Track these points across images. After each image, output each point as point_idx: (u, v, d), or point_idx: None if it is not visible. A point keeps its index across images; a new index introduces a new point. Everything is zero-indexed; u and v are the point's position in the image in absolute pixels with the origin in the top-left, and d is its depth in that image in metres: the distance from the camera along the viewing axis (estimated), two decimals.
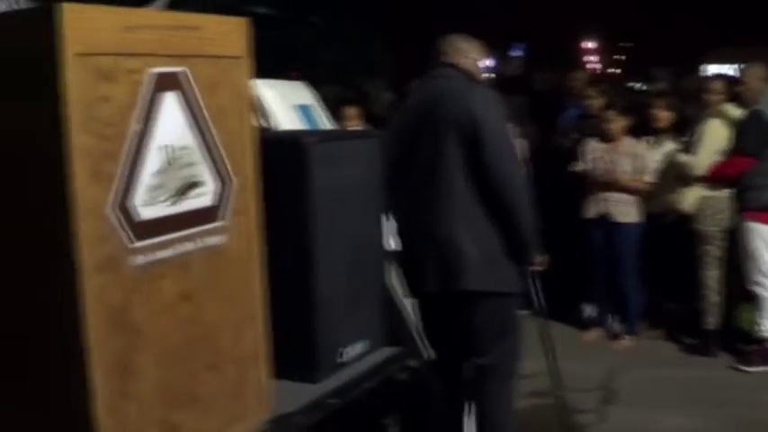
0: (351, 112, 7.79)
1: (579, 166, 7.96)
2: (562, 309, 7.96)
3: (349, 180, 3.86)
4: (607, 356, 7.64)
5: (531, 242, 4.69)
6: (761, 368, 7.14)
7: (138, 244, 2.72)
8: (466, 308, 4.65)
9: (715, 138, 7.39)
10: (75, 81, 2.50)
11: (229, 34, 3.13)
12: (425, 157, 4.59)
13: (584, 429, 6.12)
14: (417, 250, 4.67)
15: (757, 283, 7.25)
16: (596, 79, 10.32)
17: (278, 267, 3.40)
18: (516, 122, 5.56)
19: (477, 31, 5.10)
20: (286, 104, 4.96)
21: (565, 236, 7.63)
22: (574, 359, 6.86)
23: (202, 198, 2.99)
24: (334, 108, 6.96)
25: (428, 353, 4.94)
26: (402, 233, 4.74)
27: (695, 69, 14.20)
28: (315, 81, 5.62)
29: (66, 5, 2.47)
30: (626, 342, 7.94)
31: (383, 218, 4.16)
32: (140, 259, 2.74)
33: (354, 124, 7.64)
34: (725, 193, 7.42)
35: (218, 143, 3.05)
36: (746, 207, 7.24)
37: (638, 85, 16.49)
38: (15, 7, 3.86)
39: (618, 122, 7.79)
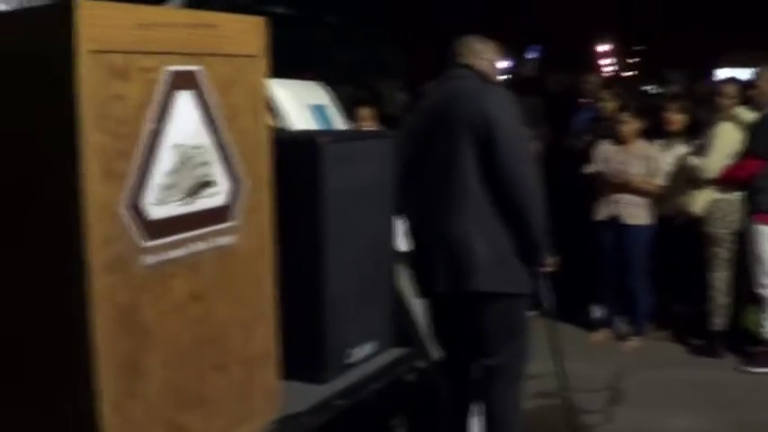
0: (365, 112, 7.77)
1: (591, 168, 7.94)
2: (570, 310, 7.93)
3: (362, 180, 3.85)
4: (614, 357, 7.62)
5: (543, 243, 4.68)
6: (767, 370, 7.13)
7: (150, 243, 2.72)
8: (476, 308, 4.63)
9: (727, 141, 7.37)
10: (89, 79, 2.49)
11: (246, 33, 3.12)
12: (439, 158, 4.58)
13: (591, 430, 6.11)
14: (429, 250, 4.66)
15: (764, 286, 7.23)
16: (610, 82, 10.29)
17: (288, 267, 3.39)
18: (530, 124, 5.55)
19: (493, 33, 5.09)
20: (300, 104, 4.96)
21: (575, 237, 7.62)
22: (581, 360, 6.84)
23: (215, 198, 2.99)
24: (348, 108, 6.96)
25: (436, 354, 4.94)
26: (414, 233, 4.73)
27: (709, 73, 14.15)
28: (330, 81, 5.62)
29: (80, 2, 2.46)
30: (633, 343, 7.92)
31: (394, 219, 4.16)
32: (151, 259, 2.73)
33: (368, 125, 7.63)
34: (735, 196, 7.40)
35: (232, 143, 3.04)
36: (757, 210, 7.22)
37: (651, 88, 16.45)
38: (26, 5, 3.86)
39: (631, 125, 7.77)
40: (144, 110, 2.69)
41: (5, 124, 2.64)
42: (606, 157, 7.86)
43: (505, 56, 5.20)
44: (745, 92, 7.62)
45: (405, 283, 4.80)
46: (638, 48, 34.58)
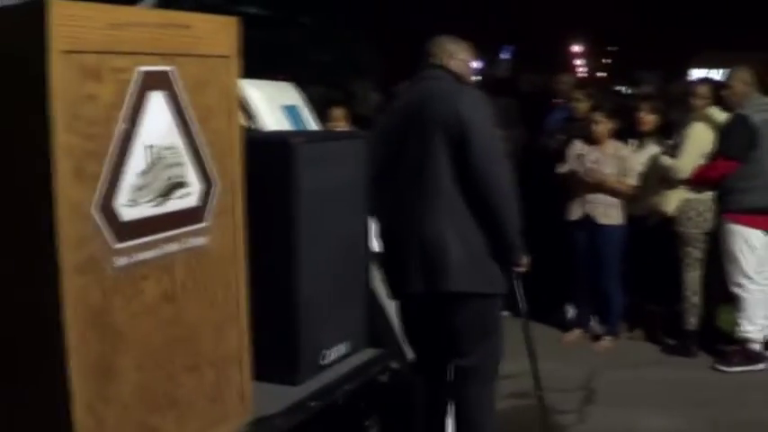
0: (337, 112, 7.76)
1: (564, 168, 7.96)
2: (544, 310, 7.97)
3: (335, 181, 3.85)
4: (588, 357, 7.64)
5: (517, 243, 4.69)
6: (740, 368, 7.17)
7: (121, 245, 2.70)
8: (449, 309, 4.64)
9: (699, 141, 7.40)
10: (61, 79, 2.47)
11: (218, 33, 3.11)
12: (412, 158, 4.58)
13: (565, 430, 6.12)
14: (402, 251, 4.66)
15: (738, 285, 7.28)
16: (583, 82, 10.33)
17: (261, 268, 3.38)
18: (503, 125, 5.56)
19: (466, 33, 5.09)
20: (273, 105, 4.95)
21: (548, 237, 7.64)
22: (555, 360, 6.87)
23: (187, 199, 2.97)
24: (321, 109, 6.95)
25: (411, 354, 4.94)
26: (386, 234, 4.73)
27: (682, 73, 14.22)
28: (303, 82, 5.62)
29: (52, 2, 2.44)
30: (607, 343, 7.95)
31: (368, 219, 4.16)
32: (123, 260, 2.72)
33: (341, 125, 7.62)
34: (707, 196, 7.44)
35: (205, 143, 3.03)
36: (729, 210, 7.26)
37: (624, 89, 16.51)
38: None
39: (604, 125, 7.80)
40: (116, 110, 2.67)
41: None
42: (579, 156, 7.88)
43: (479, 56, 5.17)
44: (718, 92, 7.66)
45: (379, 283, 4.80)
46: (611, 48, 34.76)
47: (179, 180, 2.93)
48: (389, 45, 13.93)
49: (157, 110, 2.84)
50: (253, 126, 4.66)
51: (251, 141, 3.34)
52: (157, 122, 2.83)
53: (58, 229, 2.49)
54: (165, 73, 2.87)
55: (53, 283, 2.50)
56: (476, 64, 5.10)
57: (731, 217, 7.22)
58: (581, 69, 31.76)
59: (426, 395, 4.87)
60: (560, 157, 8.08)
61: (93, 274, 2.61)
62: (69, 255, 2.52)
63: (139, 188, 2.77)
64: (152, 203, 2.82)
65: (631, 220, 7.84)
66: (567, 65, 22.98)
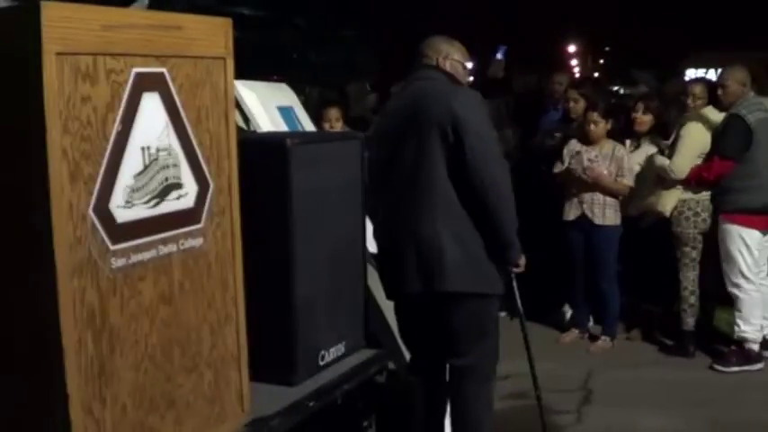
0: (332, 113, 7.75)
1: (560, 168, 7.96)
2: (541, 310, 7.96)
3: (331, 182, 3.85)
4: (585, 358, 7.63)
5: (514, 243, 4.68)
6: (738, 368, 7.16)
7: (118, 246, 2.71)
8: (446, 309, 4.63)
9: (694, 141, 7.39)
10: (56, 81, 2.48)
11: (212, 34, 3.11)
12: (408, 159, 4.57)
13: (563, 430, 6.10)
14: (399, 251, 4.65)
15: (736, 285, 7.26)
16: (579, 82, 10.31)
17: (258, 269, 3.39)
18: (497, 125, 5.56)
19: (460, 33, 5.09)
20: (267, 106, 4.95)
21: (544, 238, 7.64)
22: (552, 360, 6.86)
23: (183, 200, 2.98)
24: (316, 110, 6.94)
25: (409, 354, 4.94)
26: (383, 234, 4.73)
27: (677, 73, 14.22)
28: (298, 83, 5.62)
29: (45, 4, 2.44)
30: (604, 343, 7.94)
31: (364, 220, 4.16)
32: (119, 261, 2.72)
33: (336, 126, 7.61)
34: (704, 196, 7.43)
35: (200, 145, 3.03)
36: (725, 210, 7.25)
37: (621, 89, 16.53)
38: None
39: (599, 125, 7.79)
40: (111, 112, 2.68)
41: None
42: (575, 157, 7.87)
43: (473, 57, 5.16)
44: (713, 92, 7.66)
45: (376, 283, 4.79)
46: (606, 48, 34.79)
47: (174, 181, 2.94)
48: (385, 46, 13.93)
49: (152, 111, 2.84)
50: (248, 127, 4.66)
51: (246, 142, 3.35)
52: (152, 124, 2.84)
53: (55, 231, 2.49)
54: (159, 74, 2.88)
55: (50, 285, 2.50)
56: (470, 64, 5.09)
57: (728, 217, 7.22)
58: (576, 69, 31.81)
59: (424, 395, 4.86)
60: (557, 156, 8.06)
61: (90, 276, 2.62)
62: (66, 256, 2.52)
63: (135, 189, 2.77)
64: (148, 205, 2.83)
65: (628, 220, 7.83)
66: (562, 65, 22.99)
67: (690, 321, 7.59)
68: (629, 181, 7.70)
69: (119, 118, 2.70)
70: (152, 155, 2.83)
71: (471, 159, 4.41)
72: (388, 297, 4.82)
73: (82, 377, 2.59)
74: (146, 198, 2.81)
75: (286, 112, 5.13)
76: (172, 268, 2.94)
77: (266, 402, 3.45)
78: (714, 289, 7.62)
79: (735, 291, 7.25)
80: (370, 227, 4.56)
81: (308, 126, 5.36)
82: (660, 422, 6.14)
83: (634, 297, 8.10)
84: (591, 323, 8.26)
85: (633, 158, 7.84)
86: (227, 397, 3.25)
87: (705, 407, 6.34)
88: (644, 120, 8.01)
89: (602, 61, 36.54)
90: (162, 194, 2.88)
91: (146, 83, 2.81)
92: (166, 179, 2.90)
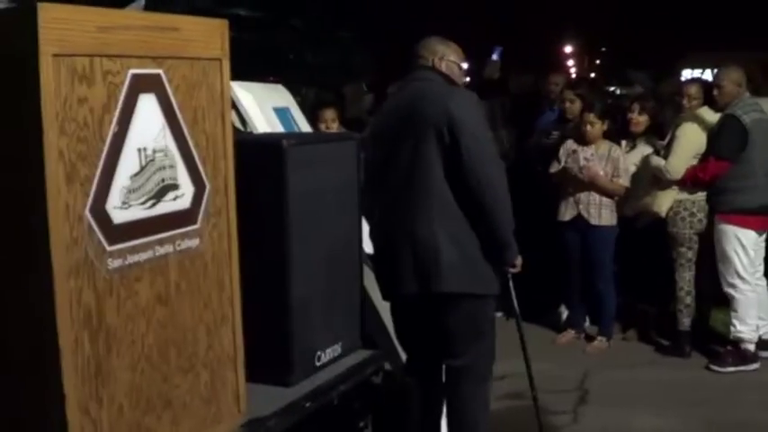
0: (328, 114, 7.75)
1: (556, 167, 7.96)
2: (537, 311, 7.97)
3: (327, 183, 3.86)
4: (581, 358, 7.63)
5: (510, 244, 4.68)
6: (734, 369, 7.17)
7: (114, 247, 2.71)
8: (443, 309, 4.63)
9: (690, 142, 7.40)
10: (52, 82, 2.48)
11: (208, 36, 3.12)
12: (404, 159, 4.58)
13: (559, 431, 6.12)
14: (394, 252, 4.65)
15: (732, 286, 7.27)
16: (575, 82, 10.30)
17: (254, 270, 3.39)
18: (493, 126, 5.56)
19: (456, 34, 5.10)
20: (264, 107, 4.96)
21: (540, 238, 7.64)
22: (549, 361, 6.86)
23: (179, 201, 2.98)
24: (312, 111, 6.95)
25: (404, 355, 4.94)
26: (379, 235, 4.73)
27: (673, 73, 14.22)
28: (294, 84, 5.62)
29: (42, 5, 2.45)
30: (600, 344, 7.95)
31: (360, 221, 4.16)
32: (116, 262, 2.72)
33: (332, 127, 7.62)
34: (699, 197, 7.44)
35: (196, 146, 3.04)
36: (721, 210, 7.26)
37: (616, 89, 16.52)
38: None
39: (596, 126, 7.79)
40: (107, 113, 2.68)
41: None
42: (571, 156, 7.88)
43: (469, 57, 5.16)
44: (709, 92, 7.66)
45: (372, 284, 4.80)
46: (602, 48, 34.78)
47: (170, 182, 2.94)
48: (381, 47, 13.93)
49: (149, 112, 2.84)
50: (244, 128, 4.67)
51: (242, 143, 3.35)
52: (149, 125, 2.84)
53: (51, 232, 2.49)
54: (155, 75, 2.88)
55: (46, 286, 2.51)
56: (465, 65, 5.09)
57: (723, 217, 7.22)
58: (572, 69, 31.81)
59: (420, 396, 4.86)
60: (553, 155, 8.06)
61: (87, 277, 2.62)
62: (62, 257, 2.53)
63: (132, 191, 2.77)
64: (144, 206, 2.83)
65: (624, 220, 7.84)
66: (558, 65, 23.00)
67: (686, 322, 7.60)
68: (624, 181, 7.71)
69: (115, 119, 2.70)
70: (148, 156, 2.84)
71: (467, 160, 4.41)
72: (385, 298, 4.82)
73: (78, 377, 2.60)
74: (142, 199, 2.81)
75: (282, 113, 5.14)
76: (168, 269, 2.94)
77: (263, 403, 3.46)
78: (710, 289, 7.63)
79: (730, 291, 7.26)
80: (366, 227, 4.56)
81: (305, 127, 5.37)
82: (656, 422, 6.15)
83: (630, 297, 8.10)
84: (587, 323, 8.27)
85: (629, 159, 7.85)
86: (224, 397, 3.25)
87: (701, 407, 6.35)
88: (640, 120, 8.02)
89: (598, 62, 36.53)
90: (158, 195, 2.88)
91: (142, 84, 2.81)
92: (163, 180, 2.90)
